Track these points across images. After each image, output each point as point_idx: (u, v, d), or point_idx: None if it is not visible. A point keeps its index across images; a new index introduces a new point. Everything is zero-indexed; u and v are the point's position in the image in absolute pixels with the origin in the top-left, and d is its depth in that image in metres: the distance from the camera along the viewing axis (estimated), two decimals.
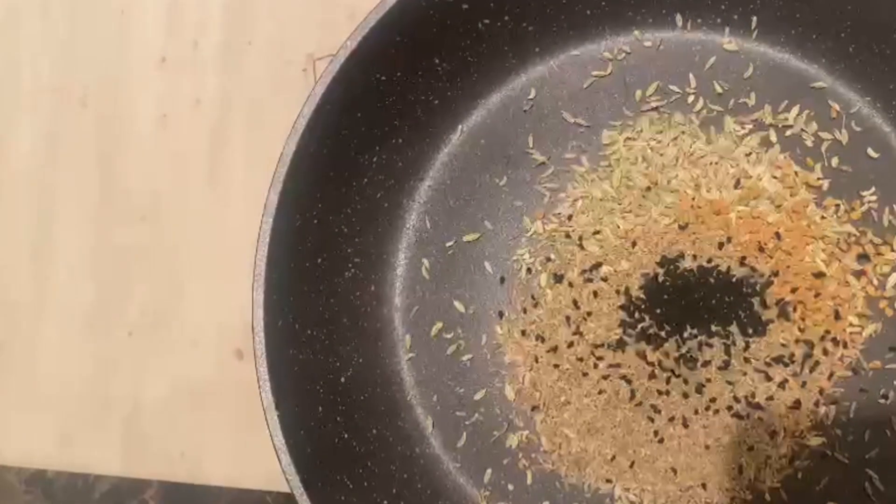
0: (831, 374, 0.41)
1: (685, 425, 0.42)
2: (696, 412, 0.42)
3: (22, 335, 0.51)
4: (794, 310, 0.41)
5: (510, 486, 0.43)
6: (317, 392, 0.41)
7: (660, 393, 0.42)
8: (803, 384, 0.41)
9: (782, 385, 0.41)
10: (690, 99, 0.44)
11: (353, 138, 0.42)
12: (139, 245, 0.51)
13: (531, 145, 0.45)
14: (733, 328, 0.42)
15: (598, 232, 0.44)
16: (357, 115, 0.42)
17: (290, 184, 0.40)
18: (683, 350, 0.42)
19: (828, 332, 0.41)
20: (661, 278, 0.43)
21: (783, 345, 0.41)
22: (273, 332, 0.39)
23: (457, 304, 0.45)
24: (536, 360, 0.43)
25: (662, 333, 0.42)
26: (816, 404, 0.41)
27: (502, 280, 0.44)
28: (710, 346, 0.42)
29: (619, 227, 0.43)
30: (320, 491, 0.38)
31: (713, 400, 0.42)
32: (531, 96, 0.45)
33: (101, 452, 0.49)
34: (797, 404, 0.41)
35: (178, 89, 0.51)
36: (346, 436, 0.42)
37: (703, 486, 0.41)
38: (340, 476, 0.40)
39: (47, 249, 0.52)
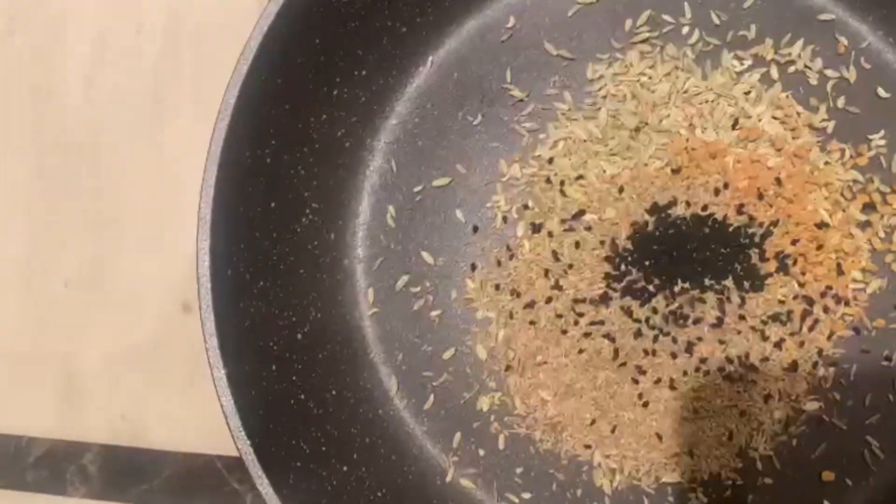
0: (831, 334, 0.39)
1: (672, 388, 0.39)
2: (685, 374, 0.39)
3: None
4: (794, 263, 0.39)
5: (481, 452, 0.41)
6: (270, 349, 0.39)
7: (646, 353, 0.40)
8: (801, 344, 0.39)
9: (778, 345, 0.39)
10: (685, 30, 0.41)
11: (311, 68, 0.39)
12: (75, 188, 0.47)
13: (509, 80, 0.42)
14: (729, 282, 0.39)
15: (581, 177, 0.41)
16: (315, 41, 0.39)
17: (238, 116, 0.37)
18: (673, 306, 0.40)
19: (829, 287, 0.39)
20: (650, 227, 0.40)
21: (781, 301, 0.39)
22: (221, 282, 0.37)
23: (425, 255, 0.42)
24: (511, 317, 0.41)
25: (651, 288, 0.40)
26: (814, 366, 0.39)
27: (475, 229, 0.42)
28: (703, 301, 0.39)
29: (604, 171, 0.40)
30: (273, 456, 0.36)
31: (703, 360, 0.39)
32: (509, 25, 0.42)
33: (35, 413, 0.47)
34: (794, 366, 0.39)
35: (118, 15, 0.47)
36: (302, 396, 0.39)
37: (690, 453, 0.39)
38: (296, 440, 0.38)
39: None
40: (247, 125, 0.37)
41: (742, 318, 0.39)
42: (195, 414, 0.44)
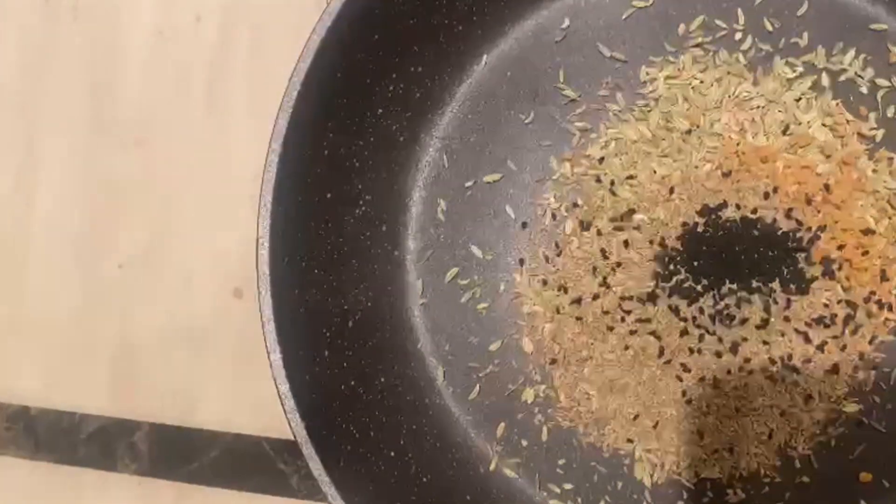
0: (873, 338, 0.39)
1: (715, 386, 0.40)
2: (729, 372, 0.40)
3: (6, 266, 0.49)
4: (840, 268, 0.39)
5: (524, 442, 0.41)
6: (323, 335, 0.39)
7: (691, 351, 0.40)
8: (843, 347, 0.39)
9: (821, 347, 0.39)
10: (738, 36, 0.41)
11: (369, 63, 0.39)
12: (132, 173, 0.48)
13: (562, 80, 0.42)
14: (775, 285, 0.39)
15: (631, 177, 0.41)
16: (374, 36, 0.39)
17: (300, 109, 0.37)
18: (720, 306, 0.40)
19: (873, 293, 0.39)
20: (700, 228, 0.40)
21: (825, 305, 0.39)
22: (278, 269, 0.37)
23: (474, 248, 0.42)
24: (558, 312, 0.41)
25: (699, 287, 0.40)
26: (855, 369, 0.39)
27: (524, 225, 0.42)
28: (750, 302, 0.40)
29: (655, 172, 0.41)
30: (325, 439, 0.37)
31: (747, 360, 0.40)
32: (564, 26, 0.42)
33: (88, 390, 0.47)
34: (835, 368, 0.39)
35: (177, 4, 0.48)
36: (352, 382, 0.40)
37: (730, 450, 0.40)
38: (346, 425, 0.39)
39: (33, 176, 0.49)
40: (307, 118, 0.37)
41: (787, 319, 0.39)
42: (244, 397, 0.45)
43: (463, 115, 0.43)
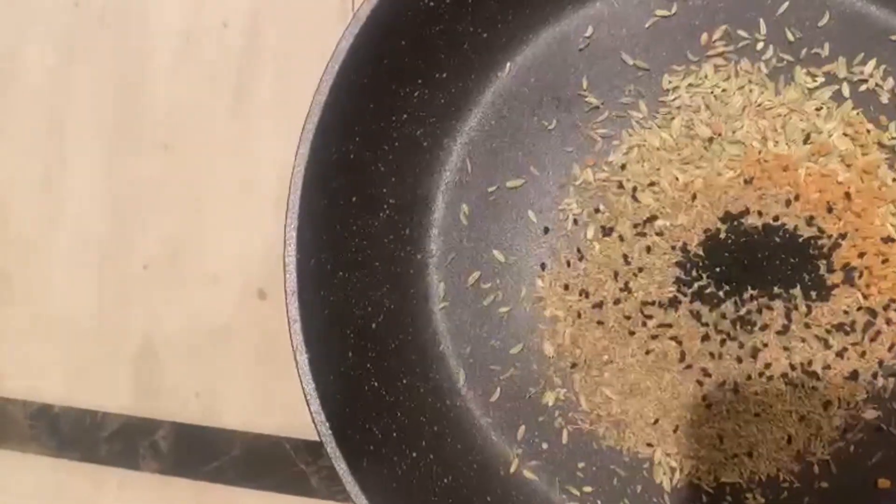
0: (892, 346, 0.39)
1: (736, 391, 0.40)
2: (749, 378, 0.40)
3: (32, 266, 0.49)
4: (860, 276, 0.40)
5: (544, 445, 0.42)
6: (347, 337, 0.40)
7: (712, 356, 0.40)
8: (862, 354, 0.40)
9: (841, 354, 0.40)
10: (760, 46, 0.41)
11: (395, 69, 0.40)
12: (158, 175, 0.48)
13: (585, 87, 0.42)
14: (796, 291, 0.40)
15: (653, 183, 0.41)
16: (401, 42, 0.39)
17: (327, 114, 0.37)
18: (742, 312, 0.40)
19: (893, 300, 0.39)
20: (722, 235, 0.40)
21: (845, 312, 0.40)
22: (304, 270, 0.37)
23: (496, 253, 0.43)
24: (579, 316, 0.41)
25: (720, 293, 0.40)
26: (874, 376, 0.40)
27: (546, 230, 0.42)
28: (771, 309, 0.40)
29: (677, 178, 0.41)
30: (348, 439, 0.37)
31: (768, 366, 0.40)
32: (588, 34, 0.42)
33: (111, 389, 0.48)
34: (854, 375, 0.40)
35: (205, 10, 0.48)
36: (375, 384, 0.40)
37: (749, 454, 0.40)
38: (369, 425, 0.39)
39: (60, 177, 0.49)
40: (334, 122, 0.37)
41: (807, 326, 0.40)
42: (265, 397, 0.45)
43: (486, 121, 0.43)
